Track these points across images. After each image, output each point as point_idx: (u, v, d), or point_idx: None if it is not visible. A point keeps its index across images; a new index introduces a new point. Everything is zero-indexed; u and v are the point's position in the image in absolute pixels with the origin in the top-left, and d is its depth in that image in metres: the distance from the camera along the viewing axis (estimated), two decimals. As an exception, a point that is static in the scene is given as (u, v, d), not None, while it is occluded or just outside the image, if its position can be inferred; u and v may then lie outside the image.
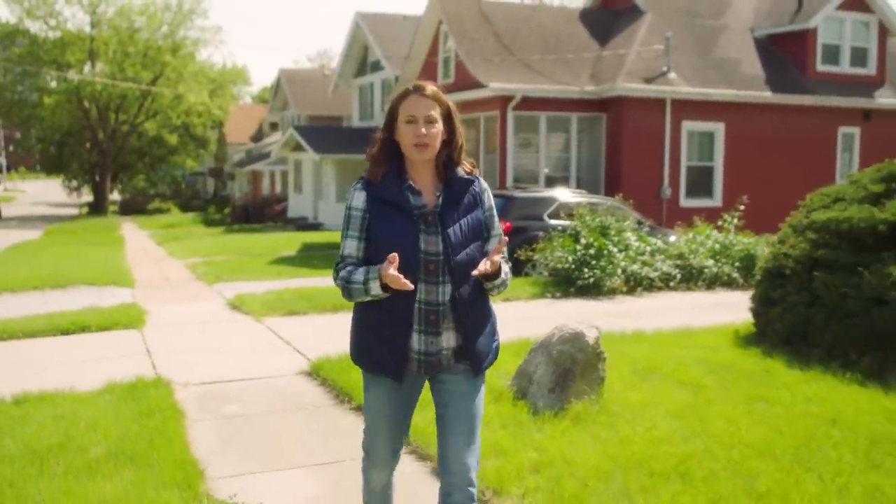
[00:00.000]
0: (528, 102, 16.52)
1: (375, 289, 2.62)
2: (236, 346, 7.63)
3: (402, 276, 2.53)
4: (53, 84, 43.50)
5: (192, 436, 4.75)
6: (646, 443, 4.20)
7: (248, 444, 4.67)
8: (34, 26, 42.53)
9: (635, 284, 10.68)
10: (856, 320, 5.94)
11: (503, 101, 16.39)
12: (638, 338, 7.28)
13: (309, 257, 16.70)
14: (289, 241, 20.59)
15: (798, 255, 6.69)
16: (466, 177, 2.79)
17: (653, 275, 10.79)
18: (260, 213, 33.46)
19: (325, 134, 28.17)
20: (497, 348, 2.90)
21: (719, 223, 12.81)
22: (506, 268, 2.80)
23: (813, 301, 6.35)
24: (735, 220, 12.50)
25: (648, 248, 11.14)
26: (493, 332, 2.88)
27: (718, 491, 3.57)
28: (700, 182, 18.08)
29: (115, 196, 51.84)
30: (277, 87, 41.47)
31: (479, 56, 17.49)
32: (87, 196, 51.25)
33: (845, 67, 19.61)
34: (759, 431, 4.45)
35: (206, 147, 50.63)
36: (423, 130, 2.67)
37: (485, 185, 2.85)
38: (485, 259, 2.67)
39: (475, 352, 2.77)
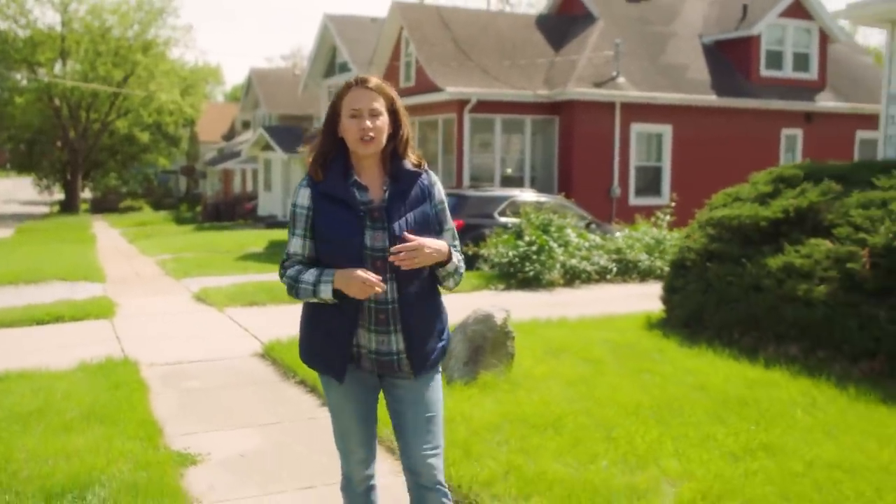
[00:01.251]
0: (484, 105, 17.36)
1: (326, 292, 2.59)
2: (198, 333, 8.38)
3: (372, 277, 2.52)
4: (24, 83, 43.72)
5: (154, 404, 5.52)
6: (535, 404, 5.03)
7: (203, 410, 5.44)
8: (4, 25, 42.70)
9: (573, 277, 11.56)
10: (738, 305, 6.83)
11: (460, 104, 17.22)
12: (561, 323, 8.12)
13: (274, 254, 17.42)
14: (256, 239, 21.27)
15: (697, 248, 7.57)
16: (414, 170, 2.74)
17: (590, 268, 11.67)
18: (231, 211, 34.00)
19: (294, 134, 28.87)
20: (443, 349, 2.81)
21: (653, 220, 13.73)
22: (458, 256, 2.76)
23: (706, 289, 7.24)
24: (668, 217, 13.42)
25: (586, 244, 12.01)
26: (442, 332, 2.81)
27: (580, 437, 4.40)
28: (649, 181, 19.03)
29: (87, 194, 52.02)
30: (249, 86, 41.97)
31: (437, 61, 18.30)
32: (59, 194, 51.39)
33: (788, 72, 20.65)
34: (634, 396, 5.29)
35: (178, 145, 51.03)
36: (368, 123, 2.61)
37: (434, 178, 2.79)
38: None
39: (417, 352, 2.70)
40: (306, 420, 5.26)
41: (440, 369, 2.86)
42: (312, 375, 6.00)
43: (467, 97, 17.09)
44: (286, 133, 28.84)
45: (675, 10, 21.94)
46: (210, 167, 42.72)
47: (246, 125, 47.31)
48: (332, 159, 2.70)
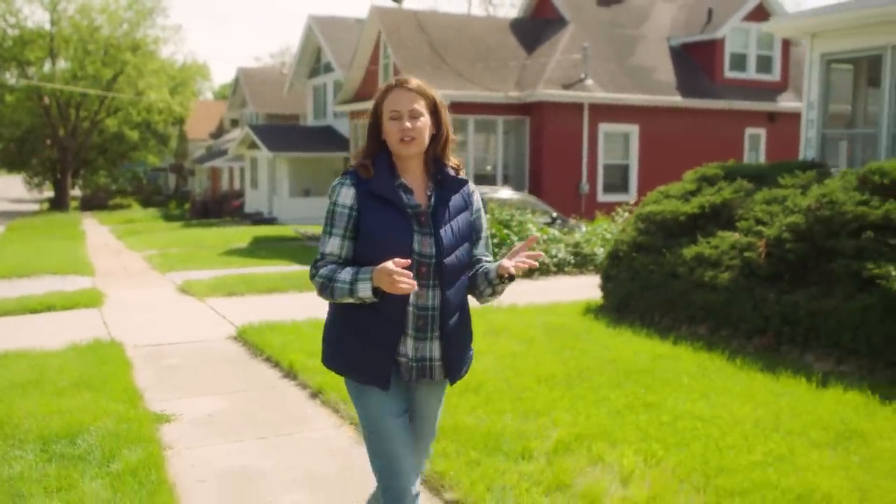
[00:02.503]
0: (458, 107, 18.17)
1: (364, 291, 2.50)
2: (180, 319, 9.17)
3: (404, 274, 2.41)
4: (13, 81, 44.29)
5: (136, 377, 6.32)
6: (468, 379, 5.85)
7: (178, 382, 6.25)
8: (-7, 24, 43.28)
9: (532, 269, 12.39)
10: (658, 291, 7.68)
11: (434, 105, 18.00)
12: (510, 309, 8.95)
13: (257, 249, 18.20)
14: (242, 235, 22.03)
15: (628, 240, 8.41)
16: (458, 177, 2.74)
17: (548, 260, 12.51)
18: (219, 208, 34.73)
19: (280, 133, 29.60)
20: (471, 358, 2.85)
21: (612, 215, 14.59)
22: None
23: (634, 277, 8.08)
24: (626, 213, 14.27)
25: (545, 237, 12.86)
26: (471, 341, 2.84)
27: (493, 398, 5.23)
28: (616, 179, 19.90)
29: (76, 192, 52.61)
30: (236, 85, 42.64)
31: (413, 64, 19.09)
32: (48, 192, 51.95)
33: (751, 74, 21.54)
34: (552, 367, 6.13)
35: (167, 143, 51.67)
36: (408, 125, 2.60)
37: (473, 186, 2.82)
38: (517, 255, 2.60)
39: (455, 361, 2.71)
40: (268, 389, 6.07)
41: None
42: (278, 353, 6.83)
43: (441, 99, 17.87)
44: (272, 132, 29.58)
45: (645, 13, 22.79)
46: (198, 165, 43.39)
47: (234, 123, 47.95)
48: (376, 162, 2.66)
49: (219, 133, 50.61)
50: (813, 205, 6.55)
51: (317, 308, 8.97)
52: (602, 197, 19.50)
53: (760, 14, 21.31)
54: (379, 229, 2.59)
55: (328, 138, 28.42)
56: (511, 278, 2.59)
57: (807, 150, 9.60)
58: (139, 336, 8.05)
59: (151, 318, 9.23)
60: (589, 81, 19.17)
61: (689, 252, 7.49)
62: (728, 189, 7.91)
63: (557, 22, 21.46)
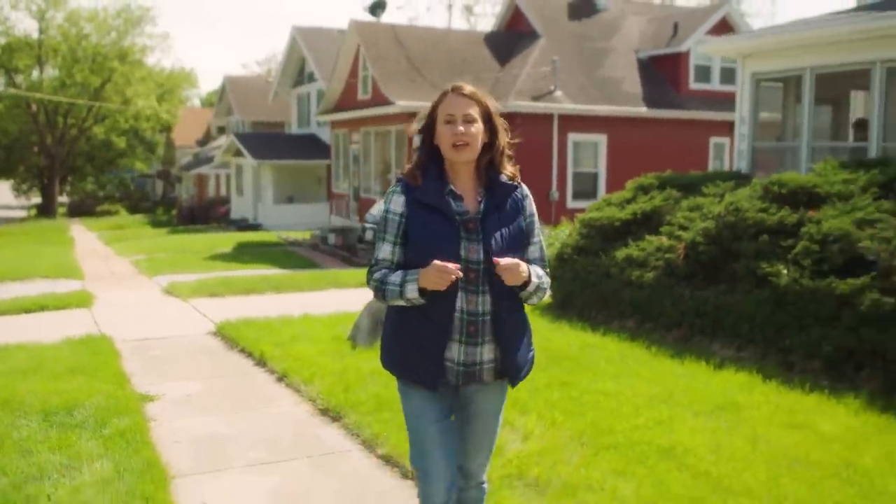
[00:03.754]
0: (432, 118, 19.01)
1: (412, 291, 2.59)
2: (164, 317, 9.98)
3: (448, 265, 2.51)
4: (1, 89, 44.88)
5: (124, 365, 7.12)
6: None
7: (162, 369, 7.06)
8: (-19, 32, 43.88)
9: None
10: (595, 289, 8.56)
11: (409, 116, 18.86)
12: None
13: (241, 254, 18.99)
14: (226, 241, 22.81)
15: (572, 244, 9.29)
16: (509, 182, 2.74)
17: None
18: (205, 214, 35.48)
19: (264, 141, 30.41)
20: (532, 359, 2.87)
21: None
22: (540, 271, 2.76)
23: (575, 277, 8.95)
24: (586, 219, 15.15)
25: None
26: (530, 344, 2.85)
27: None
28: (585, 186, 20.79)
29: (64, 199, 53.18)
30: (222, 92, 43.41)
31: (391, 77, 19.96)
32: (36, 198, 52.48)
33: (716, 85, 22.50)
34: (491, 354, 6.97)
35: (155, 151, 52.34)
36: (462, 129, 2.63)
37: (527, 191, 2.81)
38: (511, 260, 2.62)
39: (514, 365, 2.73)
40: (241, 375, 6.89)
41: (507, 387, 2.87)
42: (251, 345, 7.65)
43: (416, 110, 18.55)
44: (256, 140, 30.38)
45: (614, 26, 23.74)
46: (185, 172, 44.10)
47: (221, 130, 48.66)
48: (428, 167, 2.70)
49: (206, 140, 51.32)
50: (722, 212, 7.45)
51: (289, 307, 9.88)
52: (571, 203, 20.38)
53: (724, 28, 22.29)
54: (424, 237, 2.63)
55: (312, 146, 29.25)
56: (526, 284, 2.66)
57: (739, 161, 10.51)
58: (127, 332, 8.85)
59: (138, 317, 10.03)
60: (558, 93, 20.07)
61: (620, 254, 8.36)
62: (659, 197, 8.80)
63: (530, 35, 22.38)
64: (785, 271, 6.65)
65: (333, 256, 18.63)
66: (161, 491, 3.96)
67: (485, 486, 2.98)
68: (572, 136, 20.37)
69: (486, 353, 2.69)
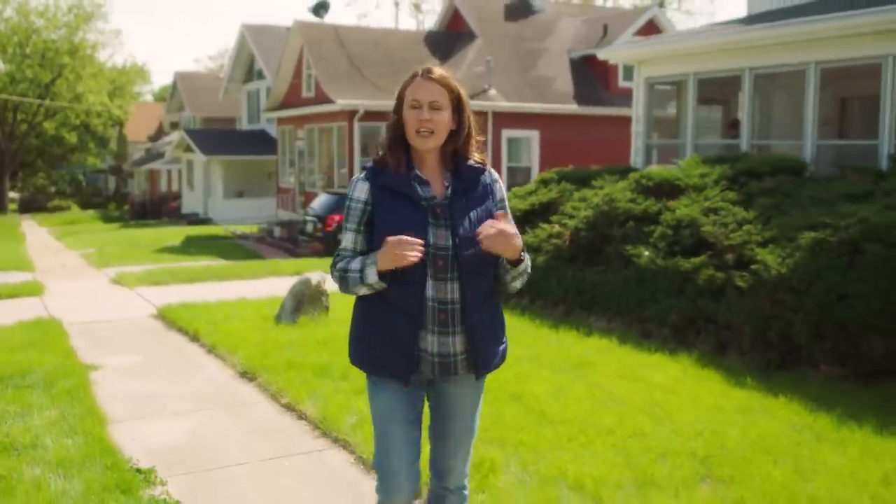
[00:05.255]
0: (372, 115, 19.99)
1: (372, 276, 2.51)
2: (111, 303, 10.84)
3: (408, 239, 2.45)
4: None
5: (72, 343, 8.01)
6: (322, 333, 7.68)
7: (107, 345, 7.97)
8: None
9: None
10: (497, 271, 9.63)
11: (350, 114, 19.85)
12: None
13: (188, 247, 19.78)
14: (176, 234, 23.52)
15: (481, 232, 10.35)
16: (477, 166, 2.66)
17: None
18: (157, 209, 35.99)
19: (214, 136, 31.07)
20: (504, 351, 2.79)
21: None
22: (525, 257, 2.66)
23: (482, 261, 10.01)
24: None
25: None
26: (502, 335, 2.78)
27: (340, 349, 7.08)
28: (520, 181, 21.89)
29: (14, 194, 52.94)
30: (174, 89, 43.76)
31: (332, 76, 20.88)
32: (-14, 194, 52.14)
33: (643, 83, 23.77)
34: (397, 328, 8.02)
35: (107, 146, 52.38)
36: (427, 116, 2.55)
37: (496, 175, 2.74)
38: (490, 222, 2.52)
39: (481, 356, 2.65)
40: (176, 349, 7.83)
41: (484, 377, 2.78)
42: (187, 324, 8.58)
43: (356, 108, 19.73)
44: (206, 136, 31.01)
45: (549, 27, 24.92)
46: (137, 167, 44.38)
47: (174, 126, 48.89)
48: (397, 151, 2.62)
49: (158, 136, 51.49)
50: (600, 203, 8.58)
51: (227, 293, 10.83)
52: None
53: (651, 29, 23.61)
54: (391, 223, 2.55)
55: (261, 142, 29.98)
56: (518, 262, 2.59)
57: (636, 156, 11.68)
58: (75, 316, 9.70)
59: (86, 304, 10.87)
60: (492, 91, 21.18)
61: (518, 241, 9.45)
62: (555, 190, 9.92)
63: (468, 35, 23.45)
64: (646, 253, 7.80)
65: (278, 248, 19.51)
66: (98, 428, 4.92)
67: (466, 492, 2.87)
68: (506, 133, 21.50)
69: (459, 343, 2.61)
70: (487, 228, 2.48)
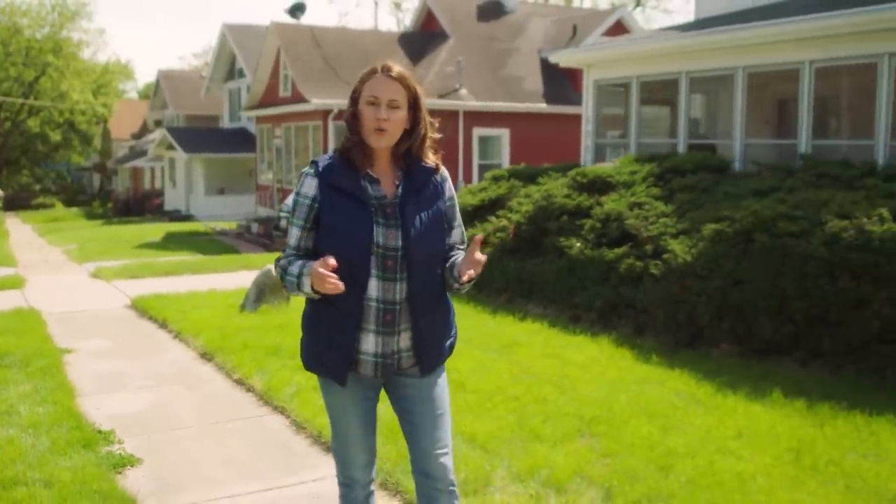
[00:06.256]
0: (346, 114, 20.62)
1: (307, 286, 2.50)
2: (88, 295, 11.48)
3: (330, 276, 2.39)
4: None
5: (49, 330, 8.66)
6: (279, 319, 8.36)
7: (82, 332, 8.62)
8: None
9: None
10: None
11: (324, 113, 20.49)
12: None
13: (168, 243, 20.41)
14: (157, 231, 24.12)
15: (436, 227, 11.05)
16: (428, 165, 2.66)
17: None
18: (140, 206, 36.49)
19: (195, 135, 31.63)
20: (452, 346, 2.78)
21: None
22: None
23: (436, 254, 10.72)
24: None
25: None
26: (451, 328, 2.77)
27: (293, 332, 7.76)
28: (491, 176, 22.65)
29: (-1, 192, 53.24)
30: (157, 87, 44.22)
31: (308, 76, 21.50)
32: (-30, 192, 52.43)
33: (612, 82, 24.51)
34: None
35: (91, 143, 52.75)
36: (384, 115, 2.53)
37: (446, 173, 2.74)
38: (468, 261, 2.54)
39: (426, 353, 2.66)
40: (145, 335, 8.49)
41: (444, 368, 2.79)
42: (157, 313, 9.24)
43: (330, 107, 20.36)
44: (188, 134, 31.57)
45: (520, 28, 25.61)
46: (121, 165, 44.81)
47: (158, 123, 49.26)
48: (343, 151, 2.62)
49: (142, 133, 51.83)
50: (539, 198, 9.29)
51: (199, 285, 11.47)
52: (478, 192, 22.21)
53: (619, 29, 24.33)
54: (337, 222, 2.54)
55: (242, 140, 30.56)
56: (470, 281, 2.57)
57: (585, 154, 12.40)
58: (53, 306, 10.34)
59: (65, 296, 11.51)
60: (463, 91, 21.86)
61: (467, 234, 10.14)
62: (504, 186, 10.62)
63: (440, 36, 24.11)
64: (578, 244, 8.51)
65: (255, 244, 20.15)
66: (67, 399, 5.59)
67: (455, 489, 2.77)
68: (477, 131, 22.18)
69: (403, 341, 2.62)
70: (476, 264, 2.55)
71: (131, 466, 4.52)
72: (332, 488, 4.15)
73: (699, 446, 4.62)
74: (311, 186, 2.60)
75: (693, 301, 7.08)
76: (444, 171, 2.75)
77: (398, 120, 2.58)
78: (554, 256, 8.78)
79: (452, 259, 2.71)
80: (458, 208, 2.79)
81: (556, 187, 9.36)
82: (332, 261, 2.41)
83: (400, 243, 2.55)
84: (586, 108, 12.38)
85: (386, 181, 2.62)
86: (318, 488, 4.25)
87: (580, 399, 5.59)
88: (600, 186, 9.08)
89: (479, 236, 2.64)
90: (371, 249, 2.53)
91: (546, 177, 10.42)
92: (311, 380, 5.96)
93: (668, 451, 4.53)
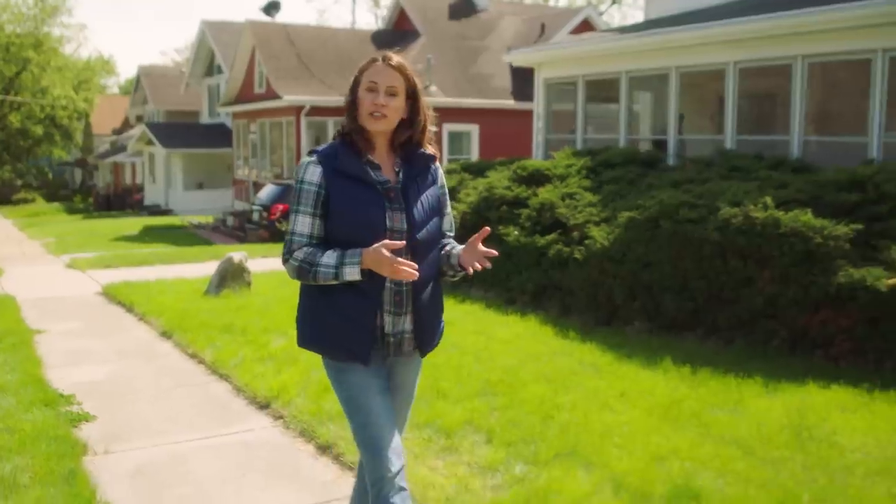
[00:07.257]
0: (318, 110, 21.28)
1: (353, 274, 2.53)
2: (62, 283, 12.09)
3: (406, 264, 2.48)
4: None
5: (23, 314, 9.27)
6: (238, 303, 9.03)
7: (53, 316, 9.24)
8: None
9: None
10: (402, 251, 11.03)
11: (297, 109, 21.11)
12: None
13: (145, 236, 20.99)
14: (135, 225, 24.67)
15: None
16: (425, 153, 2.75)
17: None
18: (121, 201, 36.96)
19: (174, 130, 32.14)
20: (442, 331, 2.90)
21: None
22: (459, 246, 2.79)
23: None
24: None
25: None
26: (441, 313, 2.88)
27: (248, 313, 8.43)
28: (460, 170, 23.33)
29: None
30: (138, 82, 44.61)
31: (282, 73, 22.11)
32: (-50, 187, 52.57)
33: (579, 79, 25.24)
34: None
35: (73, 138, 53.04)
36: (382, 101, 2.61)
37: (438, 162, 2.82)
38: (478, 253, 2.71)
39: (427, 334, 2.76)
40: (113, 318, 9.13)
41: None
42: (125, 298, 9.87)
43: (303, 104, 21.00)
44: (167, 129, 32.08)
45: (491, 26, 26.28)
46: (101, 160, 45.18)
47: (139, 118, 49.63)
48: (344, 139, 2.69)
49: (123, 128, 52.13)
50: (482, 189, 9.98)
51: (168, 273, 12.09)
52: (447, 186, 22.88)
53: (586, 27, 25.03)
54: (351, 206, 2.59)
55: (221, 135, 31.10)
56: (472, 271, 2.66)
57: (537, 150, 13.10)
58: (28, 293, 10.94)
59: (40, 284, 12.11)
60: (433, 88, 22.51)
61: (419, 224, 10.84)
62: (456, 179, 11.30)
63: (412, 34, 24.76)
64: (515, 232, 9.21)
65: (230, 236, 20.75)
66: (34, 369, 6.24)
67: (404, 484, 2.69)
68: (447, 127, 22.84)
69: (408, 322, 2.70)
70: (482, 259, 2.75)
71: (86, 422, 5.18)
72: (258, 437, 4.86)
73: (583, 403, 5.33)
74: (314, 174, 2.64)
75: (610, 283, 7.80)
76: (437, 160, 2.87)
77: (395, 107, 2.67)
78: (495, 244, 9.46)
79: (447, 246, 2.84)
80: (448, 197, 2.91)
81: (498, 179, 10.06)
82: (387, 242, 2.51)
83: (405, 226, 2.64)
84: (537, 106, 13.08)
85: (386, 167, 2.71)
86: (247, 437, 4.94)
87: (493, 368, 6.27)
88: (538, 179, 9.78)
89: (487, 228, 2.79)
90: (386, 231, 2.61)
91: (493, 170, 11.11)
92: (257, 351, 6.65)
93: (554, 406, 5.23)
